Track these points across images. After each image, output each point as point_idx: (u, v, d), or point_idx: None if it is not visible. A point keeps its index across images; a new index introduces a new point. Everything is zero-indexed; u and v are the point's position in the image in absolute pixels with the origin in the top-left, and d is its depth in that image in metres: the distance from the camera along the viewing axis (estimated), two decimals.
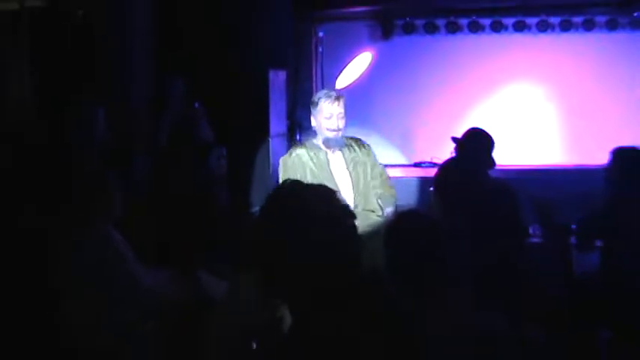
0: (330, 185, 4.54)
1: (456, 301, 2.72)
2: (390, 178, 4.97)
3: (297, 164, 4.74)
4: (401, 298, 2.54)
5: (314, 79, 9.83)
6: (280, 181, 4.76)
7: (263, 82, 7.71)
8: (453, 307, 2.69)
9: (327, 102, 4.65)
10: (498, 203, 4.19)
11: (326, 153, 4.76)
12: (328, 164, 4.73)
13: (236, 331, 2.18)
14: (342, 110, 4.65)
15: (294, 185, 2.11)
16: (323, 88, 9.49)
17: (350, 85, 9.84)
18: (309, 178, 4.67)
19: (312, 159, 4.73)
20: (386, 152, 9.59)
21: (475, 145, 5.42)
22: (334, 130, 4.66)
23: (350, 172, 4.73)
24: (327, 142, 4.74)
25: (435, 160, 8.60)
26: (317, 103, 4.70)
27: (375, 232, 4.47)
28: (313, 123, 4.80)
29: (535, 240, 6.05)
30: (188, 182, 5.44)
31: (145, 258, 3.56)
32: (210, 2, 7.42)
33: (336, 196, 2.09)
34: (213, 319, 2.37)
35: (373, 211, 4.71)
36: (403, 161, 9.74)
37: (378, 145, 9.54)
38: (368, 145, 4.91)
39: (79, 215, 3.47)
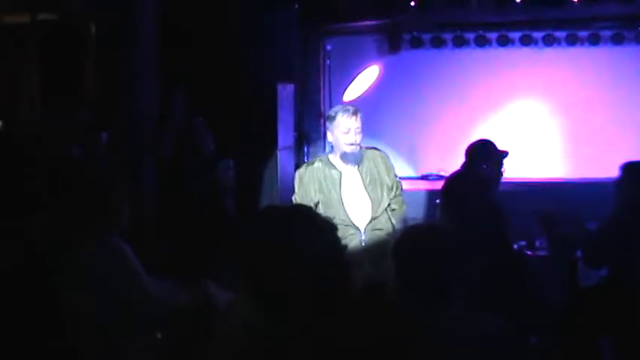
0: (337, 205, 4.64)
1: (462, 312, 2.74)
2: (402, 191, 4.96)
3: (311, 178, 4.74)
4: (409, 309, 2.58)
5: (322, 92, 9.87)
6: (295, 193, 4.79)
7: (271, 94, 7.76)
8: (459, 317, 2.72)
9: (344, 116, 4.62)
10: (486, 220, 4.22)
11: (340, 173, 4.72)
12: (340, 185, 4.70)
13: (235, 343, 2.21)
14: (359, 125, 4.63)
15: (274, 210, 2.18)
16: (331, 101, 9.54)
17: (357, 98, 9.87)
18: (317, 195, 4.70)
19: (325, 176, 4.71)
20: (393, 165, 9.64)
21: (483, 157, 5.42)
22: (352, 145, 4.64)
23: (368, 193, 4.70)
24: (345, 157, 4.71)
25: (441, 173, 8.63)
26: (334, 118, 4.67)
27: (382, 250, 4.49)
28: (330, 138, 4.78)
29: (541, 253, 6.07)
30: (195, 193, 5.47)
31: (153, 268, 3.59)
32: (219, 15, 7.47)
33: (314, 214, 2.15)
34: (214, 330, 2.40)
35: (382, 229, 4.68)
36: (410, 174, 9.77)
37: None
38: (386, 155, 4.89)
39: (87, 226, 3.50)
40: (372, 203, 4.69)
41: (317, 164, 4.79)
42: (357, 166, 4.72)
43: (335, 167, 4.73)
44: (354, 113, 4.64)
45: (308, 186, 4.71)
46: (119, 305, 3.38)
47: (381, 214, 4.70)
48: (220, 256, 4.50)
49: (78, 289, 3.40)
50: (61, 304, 3.43)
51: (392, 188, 4.78)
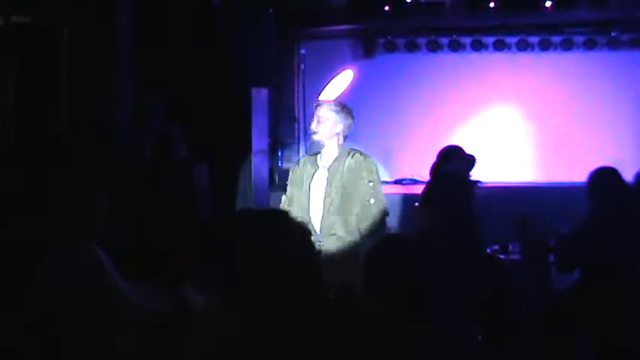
0: (301, 202, 4.63)
1: (436, 317, 2.76)
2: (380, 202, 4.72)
3: (294, 175, 4.83)
4: (380, 316, 2.59)
5: (296, 96, 9.90)
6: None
7: (245, 99, 7.74)
8: (434, 323, 2.73)
9: (315, 107, 4.81)
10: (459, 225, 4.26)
11: (315, 170, 4.73)
12: (311, 179, 4.71)
13: (210, 346, 2.20)
14: (322, 115, 4.69)
15: (248, 214, 2.19)
16: (305, 105, 9.56)
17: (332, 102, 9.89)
18: (292, 190, 4.76)
19: (304, 172, 4.77)
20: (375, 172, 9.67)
21: (454, 163, 5.46)
22: (313, 133, 4.73)
23: (326, 194, 4.65)
24: (322, 155, 4.77)
25: (416, 177, 8.66)
26: None
27: (343, 257, 4.45)
28: None
29: (514, 257, 6.11)
30: (171, 198, 5.45)
31: (129, 273, 3.57)
32: (193, 20, 7.45)
33: (287, 217, 2.15)
34: (190, 335, 2.39)
35: (334, 235, 4.58)
36: (384, 178, 9.78)
37: None
38: (371, 162, 4.76)
39: (62, 231, 3.48)
40: (323, 204, 4.64)
41: (302, 161, 4.91)
42: (329, 165, 4.71)
43: (315, 164, 4.75)
44: (318, 105, 4.78)
45: (292, 182, 4.81)
46: (94, 310, 3.36)
47: (335, 218, 4.60)
48: (195, 259, 4.49)
49: (52, 292, 3.38)
50: (38, 306, 3.40)
51: (363, 195, 4.65)
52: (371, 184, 4.66)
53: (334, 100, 4.86)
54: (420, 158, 8.16)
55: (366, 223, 4.59)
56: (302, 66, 9.70)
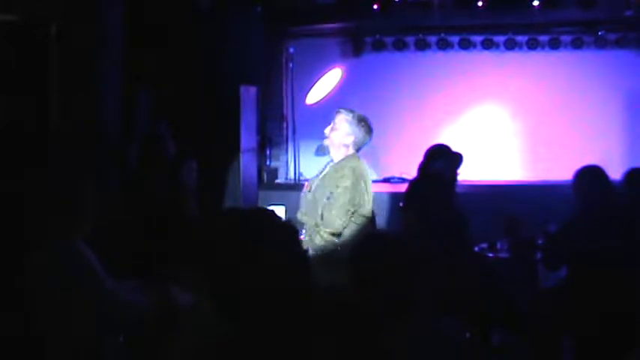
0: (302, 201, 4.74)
1: (424, 317, 2.76)
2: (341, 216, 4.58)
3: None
4: (371, 316, 2.59)
5: (284, 94, 9.90)
6: None
7: (234, 97, 7.74)
8: (421, 323, 2.74)
9: None
10: (447, 223, 4.27)
11: (320, 172, 4.86)
12: (312, 184, 4.84)
13: (196, 345, 2.21)
14: (336, 122, 4.76)
15: (235, 212, 2.20)
16: (293, 103, 9.56)
17: (320, 100, 9.91)
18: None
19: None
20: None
21: (441, 162, 5.48)
22: (325, 138, 4.82)
23: (308, 198, 4.77)
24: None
25: (404, 176, 8.67)
26: None
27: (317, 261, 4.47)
28: None
29: (502, 255, 6.13)
30: (157, 196, 5.44)
31: (115, 271, 3.56)
32: (182, 18, 7.44)
33: (275, 216, 2.16)
34: (177, 333, 2.40)
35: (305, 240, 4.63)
36: (372, 177, 9.81)
37: None
38: (348, 173, 4.65)
39: (49, 230, 3.47)
40: (313, 206, 4.70)
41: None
42: (327, 171, 4.77)
43: (323, 169, 4.87)
44: (338, 111, 4.83)
45: None
46: (82, 310, 3.36)
47: (316, 220, 4.62)
48: (182, 258, 4.49)
49: (39, 290, 3.38)
50: (24, 310, 3.40)
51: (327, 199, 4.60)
52: (339, 189, 4.58)
53: (354, 111, 4.80)
54: (408, 157, 8.16)
55: (320, 237, 4.57)
56: (290, 64, 9.69)
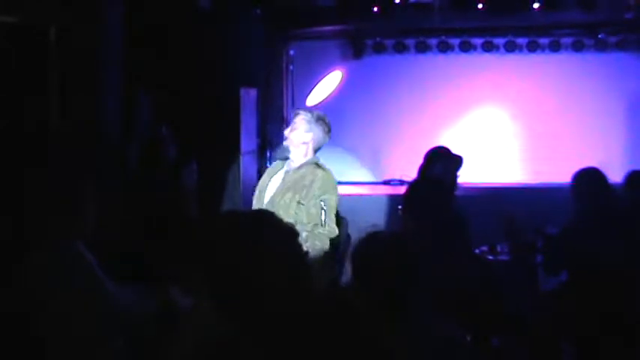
0: (255, 203, 4.71)
1: (424, 318, 2.76)
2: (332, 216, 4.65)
3: (268, 171, 4.99)
4: (368, 313, 2.59)
5: (285, 97, 9.89)
6: None
7: (234, 99, 7.75)
8: (421, 323, 2.74)
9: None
10: (447, 225, 4.26)
11: (279, 170, 4.86)
12: (270, 180, 4.84)
13: (196, 345, 2.20)
14: (295, 122, 4.81)
15: (235, 214, 2.20)
16: (294, 106, 9.56)
17: (320, 103, 9.91)
18: (258, 186, 4.92)
19: (273, 171, 4.92)
20: (355, 170, 9.69)
21: (441, 164, 5.47)
22: (285, 139, 4.84)
23: (275, 195, 4.70)
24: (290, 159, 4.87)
25: (404, 178, 8.68)
26: None
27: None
28: None
29: (502, 258, 6.12)
30: (159, 197, 5.44)
31: (116, 274, 3.56)
32: (182, 21, 7.44)
33: (275, 218, 2.16)
34: (177, 335, 2.39)
35: None
36: (372, 179, 9.82)
37: (348, 163, 9.68)
38: (325, 174, 4.71)
39: (50, 230, 3.47)
40: (261, 201, 4.76)
41: (275, 163, 5.04)
42: (290, 171, 4.78)
43: (281, 167, 4.87)
44: (296, 113, 4.91)
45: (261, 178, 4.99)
46: (81, 312, 3.35)
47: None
48: (182, 259, 4.49)
49: (39, 290, 3.37)
50: (24, 314, 3.39)
51: (309, 206, 4.62)
52: (323, 202, 4.61)
53: (313, 111, 4.88)
54: (408, 159, 8.16)
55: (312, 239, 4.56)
56: (290, 67, 9.70)
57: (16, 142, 5.32)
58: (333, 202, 4.65)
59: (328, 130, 4.85)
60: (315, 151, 4.81)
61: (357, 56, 10.07)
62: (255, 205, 4.79)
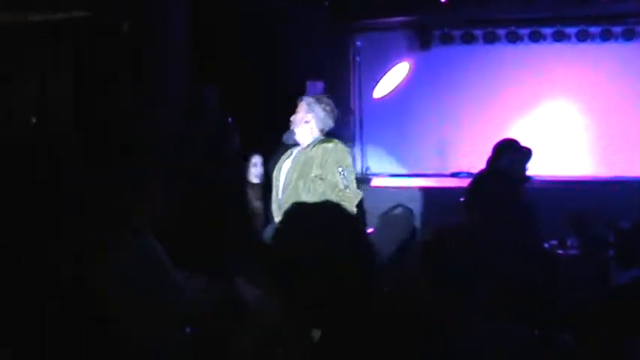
0: (274, 184, 4.90)
1: (487, 309, 2.73)
2: (348, 186, 4.77)
3: (281, 159, 5.12)
4: (439, 309, 2.58)
5: (352, 88, 9.88)
6: None
7: (300, 92, 7.77)
8: (486, 315, 2.71)
9: None
10: (516, 218, 4.19)
11: (289, 155, 5.00)
12: (282, 164, 5.00)
13: (263, 339, 2.22)
14: (300, 109, 4.96)
15: (301, 206, 2.21)
16: (360, 97, 9.55)
17: (387, 95, 9.87)
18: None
19: (285, 157, 5.06)
20: (422, 162, 9.61)
21: (508, 156, 5.39)
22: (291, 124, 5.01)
23: (286, 178, 4.87)
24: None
25: (472, 171, 8.58)
26: None
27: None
28: None
29: (572, 252, 6.02)
30: (223, 190, 5.50)
31: (183, 266, 3.61)
32: (247, 14, 7.49)
33: (342, 209, 2.16)
34: (244, 326, 2.41)
35: None
36: (439, 171, 9.74)
37: (415, 155, 9.63)
38: (336, 149, 4.85)
39: (120, 226, 3.53)
40: (282, 188, 4.88)
41: (289, 150, 5.15)
42: (297, 152, 4.94)
43: (291, 152, 5.03)
44: (300, 100, 5.05)
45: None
46: (152, 303, 3.41)
47: (288, 201, 4.70)
48: (248, 252, 4.53)
49: (113, 288, 3.43)
50: (98, 303, 3.46)
51: (321, 179, 4.77)
52: (340, 169, 4.75)
53: (315, 95, 5.19)
54: (476, 151, 8.07)
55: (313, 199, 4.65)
56: (357, 58, 9.68)
57: (88, 138, 5.44)
58: (350, 168, 4.83)
59: (330, 109, 5.01)
60: (322, 131, 4.94)
61: (425, 47, 9.99)
62: (273, 185, 5.00)
